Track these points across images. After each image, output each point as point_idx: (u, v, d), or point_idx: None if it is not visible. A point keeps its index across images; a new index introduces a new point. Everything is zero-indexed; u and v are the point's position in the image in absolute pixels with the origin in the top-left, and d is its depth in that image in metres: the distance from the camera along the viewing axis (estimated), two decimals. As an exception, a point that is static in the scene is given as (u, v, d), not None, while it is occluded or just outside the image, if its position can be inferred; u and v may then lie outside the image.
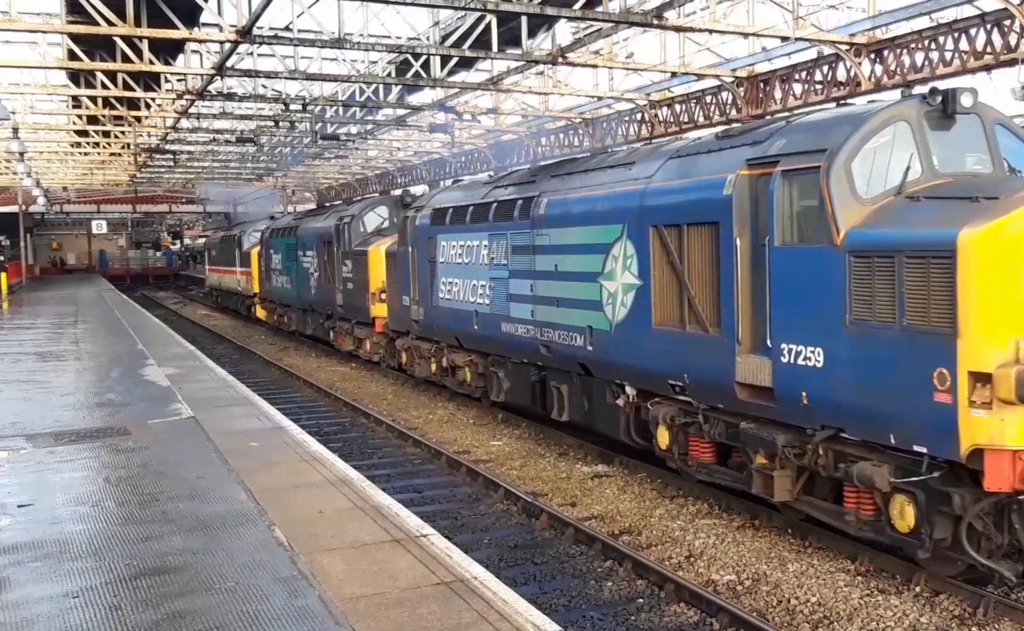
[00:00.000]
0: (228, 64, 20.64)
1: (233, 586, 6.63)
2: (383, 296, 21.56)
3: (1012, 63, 14.14)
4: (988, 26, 14.93)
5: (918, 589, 8.65)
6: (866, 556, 9.31)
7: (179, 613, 6.17)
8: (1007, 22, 14.57)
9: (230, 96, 25.62)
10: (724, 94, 21.34)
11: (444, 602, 6.27)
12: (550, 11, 15.60)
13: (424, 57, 22.15)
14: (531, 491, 12.28)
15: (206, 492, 9.11)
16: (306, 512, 8.37)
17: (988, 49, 14.90)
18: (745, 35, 17.97)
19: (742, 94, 20.38)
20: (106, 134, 33.89)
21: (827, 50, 17.85)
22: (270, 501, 8.70)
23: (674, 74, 21.08)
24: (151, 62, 20.66)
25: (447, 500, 12.29)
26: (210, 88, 23.70)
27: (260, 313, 36.59)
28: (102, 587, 6.70)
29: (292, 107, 26.05)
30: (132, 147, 35.34)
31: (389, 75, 24.76)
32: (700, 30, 17.37)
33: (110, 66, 21.33)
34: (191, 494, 9.05)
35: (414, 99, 27.73)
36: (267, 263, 34.37)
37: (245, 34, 16.79)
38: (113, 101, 27.37)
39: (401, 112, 27.94)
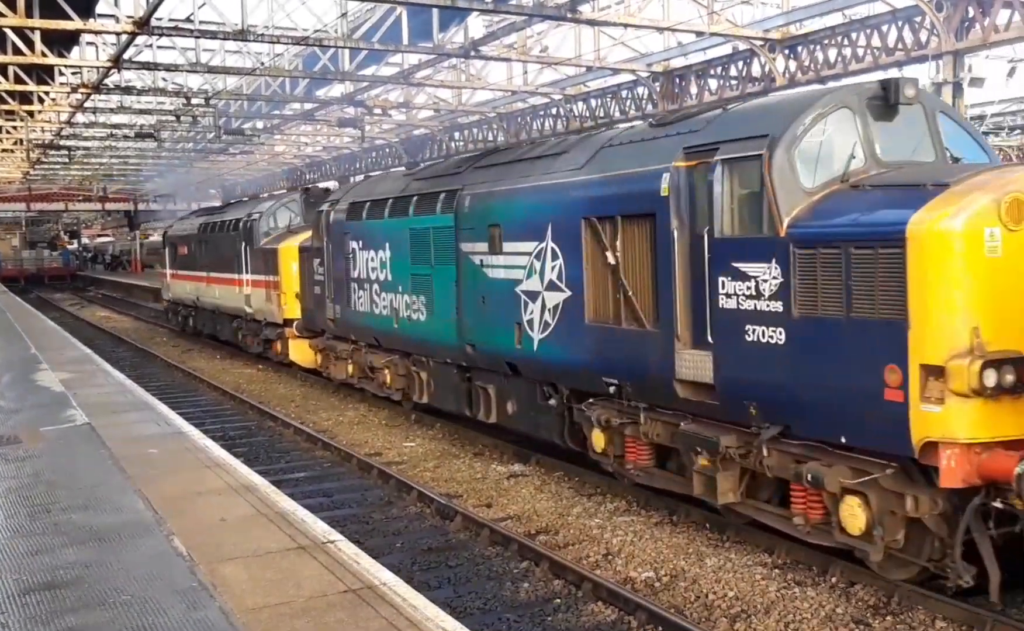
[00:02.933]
0: (125, 56, 19.93)
1: (128, 599, 6.29)
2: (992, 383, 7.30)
3: (923, 59, 14.49)
4: (900, 22, 15.29)
5: (834, 580, 8.67)
6: (783, 549, 9.30)
7: (71, 629, 5.86)
8: (918, 18, 14.92)
9: (128, 90, 24.80)
10: (640, 89, 21.43)
11: (351, 610, 6.04)
12: (461, 3, 15.39)
13: (332, 50, 21.70)
14: (445, 493, 12.02)
15: (101, 502, 8.65)
16: (207, 520, 8.00)
17: (899, 45, 15.26)
18: (660, 30, 18.07)
19: (657, 89, 20.48)
20: (-3, 129, 32.49)
21: (742, 45, 18.04)
22: (169, 510, 8.29)
23: (589, 68, 21.09)
24: (44, 54, 19.83)
25: (358, 504, 11.95)
26: (107, 81, 22.89)
27: (299, 353, 21.22)
28: (-14, 605, 6.27)
29: (194, 101, 25.28)
30: (25, 143, 33.93)
31: (296, 68, 24.24)
32: (614, 24, 17.41)
33: (0, 59, 20.37)
34: (85, 504, 8.59)
35: (322, 93, 27.20)
36: (335, 266, 18.17)
37: (143, 25, 16.22)
38: (3, 95, 26.20)
39: (309, 106, 27.40)
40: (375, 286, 16.52)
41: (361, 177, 32.90)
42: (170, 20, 20.98)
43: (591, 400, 11.15)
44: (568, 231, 11.31)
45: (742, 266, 8.82)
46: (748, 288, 8.72)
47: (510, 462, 13.47)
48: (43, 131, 32.49)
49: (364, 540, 10.20)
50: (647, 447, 10.54)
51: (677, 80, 20.12)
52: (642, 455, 10.61)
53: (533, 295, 11.92)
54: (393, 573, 6.88)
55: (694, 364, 9.36)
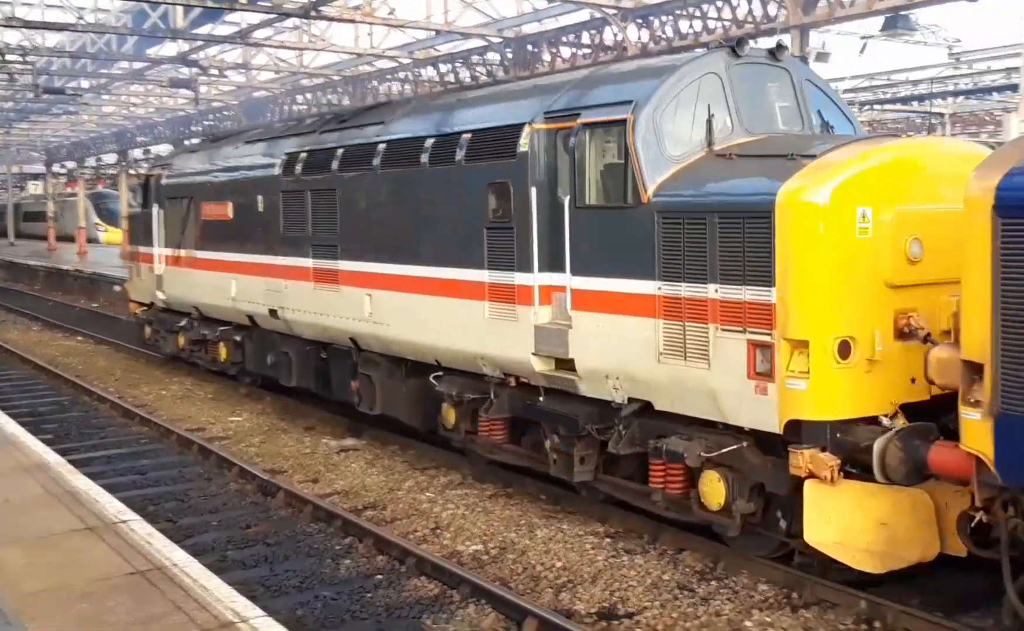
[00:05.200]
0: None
1: None
2: None
3: (771, 32, 14.69)
4: (750, -4, 15.53)
5: (663, 547, 8.61)
6: (615, 518, 9.20)
7: None
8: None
9: (-67, 40, 22.75)
10: (492, 54, 21.09)
11: (136, 593, 5.62)
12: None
13: (163, 7, 20.47)
14: (270, 468, 11.45)
15: None
16: (-13, 502, 7.31)
17: (749, 18, 15.50)
18: (512, -6, 17.75)
19: (509, 55, 20.20)
20: None
21: (597, 13, 17.92)
22: (-59, 492, 7.52)
23: (438, 32, 20.60)
24: None
25: (174, 481, 11.22)
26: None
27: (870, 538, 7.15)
28: None
29: (10, 58, 23.43)
30: None
31: (123, 25, 22.84)
32: (463, -15, 16.96)
33: None
34: None
35: (153, 52, 25.70)
36: None
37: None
38: None
39: (139, 65, 25.88)
40: None
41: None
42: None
43: None
44: None
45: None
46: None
47: (342, 437, 12.99)
48: None
49: (177, 519, 9.65)
50: None
51: (530, 47, 19.86)
52: None
53: None
54: (203, 552, 6.49)
55: None
